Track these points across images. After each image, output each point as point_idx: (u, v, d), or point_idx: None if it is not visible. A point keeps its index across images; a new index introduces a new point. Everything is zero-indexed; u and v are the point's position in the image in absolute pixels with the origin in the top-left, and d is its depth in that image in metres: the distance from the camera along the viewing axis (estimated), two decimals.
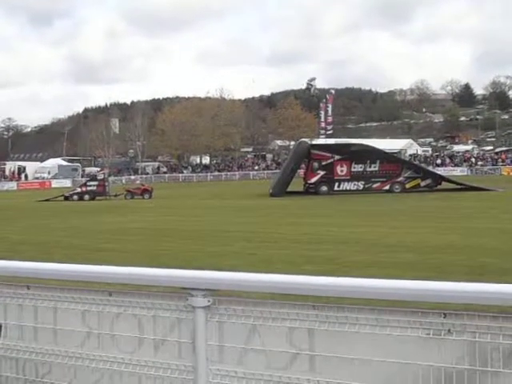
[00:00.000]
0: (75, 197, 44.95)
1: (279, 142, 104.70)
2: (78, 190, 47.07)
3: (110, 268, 3.52)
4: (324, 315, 2.90)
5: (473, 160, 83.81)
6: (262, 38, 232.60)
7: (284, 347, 2.98)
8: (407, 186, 43.23)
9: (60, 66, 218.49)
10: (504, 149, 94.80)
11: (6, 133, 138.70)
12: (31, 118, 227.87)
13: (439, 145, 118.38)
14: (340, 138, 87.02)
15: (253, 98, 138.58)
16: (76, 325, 3.45)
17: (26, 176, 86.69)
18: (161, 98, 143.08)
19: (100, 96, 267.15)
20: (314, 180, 44.57)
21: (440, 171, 59.94)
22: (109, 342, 3.39)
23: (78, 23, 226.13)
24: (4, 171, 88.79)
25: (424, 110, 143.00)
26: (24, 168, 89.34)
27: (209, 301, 3.06)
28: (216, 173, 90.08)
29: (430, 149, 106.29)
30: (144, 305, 3.28)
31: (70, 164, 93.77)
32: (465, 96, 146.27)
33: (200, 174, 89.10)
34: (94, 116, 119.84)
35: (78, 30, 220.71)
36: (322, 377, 2.90)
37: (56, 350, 3.51)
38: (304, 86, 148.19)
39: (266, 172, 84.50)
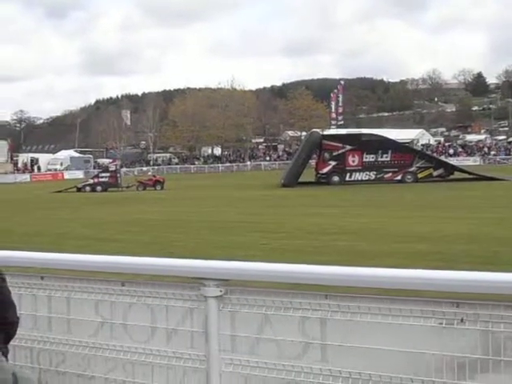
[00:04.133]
0: (88, 188, 45.12)
1: (291, 133, 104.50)
2: (91, 181, 47.23)
3: (123, 258, 3.54)
4: (336, 305, 2.90)
5: (485, 150, 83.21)
6: (275, 28, 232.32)
7: (296, 337, 2.99)
8: (419, 175, 43.03)
9: (75, 58, 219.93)
10: None
11: (18, 125, 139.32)
12: (46, 109, 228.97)
13: (452, 134, 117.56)
14: (352, 128, 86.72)
15: (264, 88, 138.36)
16: (89, 315, 3.47)
17: (39, 168, 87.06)
18: (172, 89, 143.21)
19: (114, 88, 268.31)
20: (325, 170, 44.47)
21: (453, 161, 59.58)
22: (122, 331, 3.41)
23: (93, 15, 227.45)
24: (17, 163, 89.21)
25: (436, 99, 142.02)
26: (37, 160, 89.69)
27: (221, 291, 3.07)
28: (227, 164, 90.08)
29: (442, 138, 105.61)
30: (157, 295, 3.30)
31: (82, 155, 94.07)
32: (477, 85, 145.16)
33: (212, 165, 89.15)
34: (105, 107, 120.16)
35: (93, 22, 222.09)
36: (334, 366, 2.91)
37: (70, 340, 3.54)
38: (316, 77, 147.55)
39: (277, 162, 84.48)
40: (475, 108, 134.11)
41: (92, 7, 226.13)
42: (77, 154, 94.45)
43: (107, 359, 3.43)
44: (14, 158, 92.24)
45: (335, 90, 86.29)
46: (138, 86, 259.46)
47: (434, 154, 64.32)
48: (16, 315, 3.04)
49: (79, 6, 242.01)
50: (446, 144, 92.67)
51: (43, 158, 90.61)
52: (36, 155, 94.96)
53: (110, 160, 71.65)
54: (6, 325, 2.93)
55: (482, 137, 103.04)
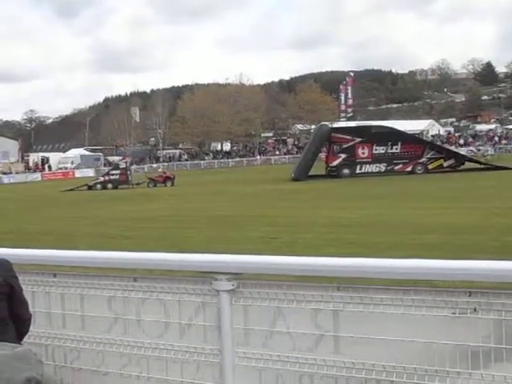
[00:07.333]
0: (98, 186, 45.28)
1: (300, 126, 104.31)
2: (101, 179, 47.37)
3: (135, 254, 3.55)
4: (348, 296, 2.89)
5: (496, 139, 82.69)
6: (282, 22, 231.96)
7: (309, 329, 2.99)
8: (430, 166, 42.89)
9: (84, 56, 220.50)
10: None
11: (28, 124, 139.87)
12: (56, 108, 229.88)
13: (461, 124, 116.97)
14: (361, 120, 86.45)
15: (272, 82, 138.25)
16: (103, 311, 3.49)
17: (50, 167, 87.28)
18: (180, 85, 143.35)
19: (123, 85, 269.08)
20: (335, 163, 44.40)
21: (463, 151, 59.28)
22: (135, 327, 3.42)
23: (101, 13, 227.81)
24: (28, 163, 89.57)
25: (445, 89, 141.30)
26: (47, 159, 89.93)
27: (233, 284, 3.07)
28: (237, 159, 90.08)
29: (451, 129, 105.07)
30: (169, 290, 3.31)
31: (92, 154, 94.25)
32: (487, 74, 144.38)
33: (221, 161, 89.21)
34: (114, 105, 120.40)
35: (101, 20, 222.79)
36: (348, 358, 2.91)
37: (84, 336, 3.56)
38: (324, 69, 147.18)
39: (287, 156, 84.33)
40: (485, 97, 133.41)
41: (100, 5, 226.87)
42: (87, 153, 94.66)
43: (121, 355, 3.45)
44: (25, 158, 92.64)
45: (344, 82, 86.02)
46: (147, 82, 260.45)
47: (445, 145, 63.97)
48: (28, 312, 3.06)
49: (88, 4, 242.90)
50: (457, 134, 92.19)
51: (54, 157, 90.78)
52: (46, 154, 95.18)
53: (120, 157, 71.77)
54: (19, 322, 2.96)
55: (492, 126, 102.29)
